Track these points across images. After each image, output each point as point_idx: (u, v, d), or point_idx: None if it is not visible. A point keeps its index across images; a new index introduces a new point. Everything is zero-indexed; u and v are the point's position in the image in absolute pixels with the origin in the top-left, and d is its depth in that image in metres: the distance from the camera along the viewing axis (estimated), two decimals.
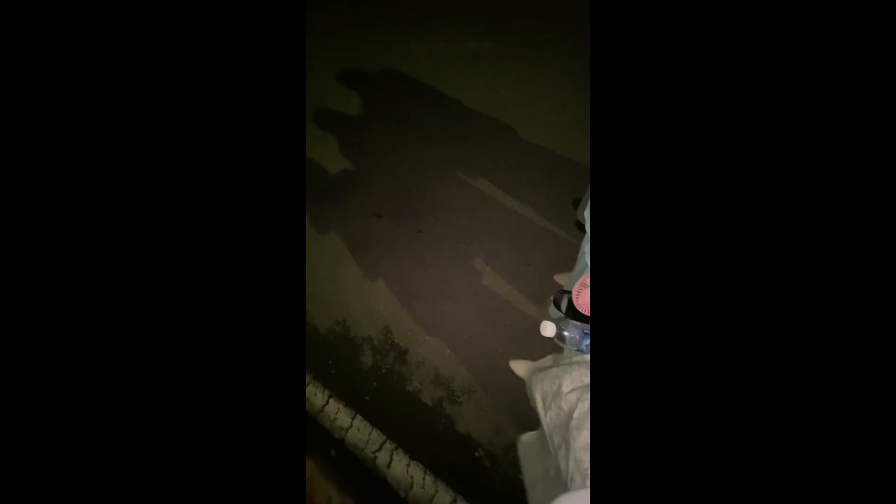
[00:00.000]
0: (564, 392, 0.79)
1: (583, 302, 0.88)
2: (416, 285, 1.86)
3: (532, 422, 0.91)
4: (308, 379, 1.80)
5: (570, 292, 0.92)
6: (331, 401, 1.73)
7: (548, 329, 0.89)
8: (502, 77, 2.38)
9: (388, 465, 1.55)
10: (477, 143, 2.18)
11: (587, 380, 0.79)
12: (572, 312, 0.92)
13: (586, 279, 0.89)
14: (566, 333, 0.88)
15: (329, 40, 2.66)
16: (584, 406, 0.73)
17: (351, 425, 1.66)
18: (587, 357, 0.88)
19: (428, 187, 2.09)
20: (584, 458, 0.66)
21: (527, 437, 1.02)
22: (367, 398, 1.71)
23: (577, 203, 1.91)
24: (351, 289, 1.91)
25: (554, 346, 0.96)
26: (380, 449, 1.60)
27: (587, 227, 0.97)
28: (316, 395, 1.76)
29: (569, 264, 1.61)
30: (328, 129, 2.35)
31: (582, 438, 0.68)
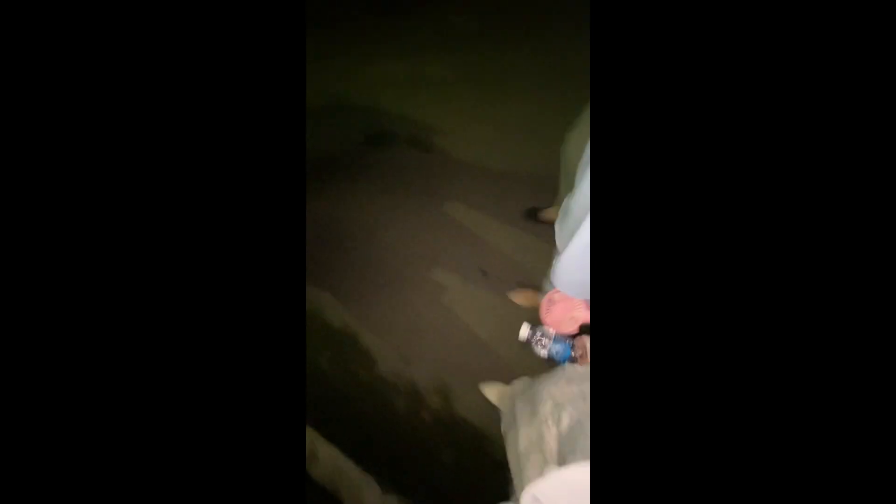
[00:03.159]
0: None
1: (552, 319, 0.80)
2: None
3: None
4: None
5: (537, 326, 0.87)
6: None
7: (524, 331, 0.85)
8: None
9: None
10: None
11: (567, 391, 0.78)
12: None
13: (554, 294, 0.79)
14: (542, 338, 0.84)
15: None
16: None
17: None
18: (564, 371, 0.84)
19: None
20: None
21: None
22: None
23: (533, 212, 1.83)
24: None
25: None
26: None
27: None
28: None
29: None
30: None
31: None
